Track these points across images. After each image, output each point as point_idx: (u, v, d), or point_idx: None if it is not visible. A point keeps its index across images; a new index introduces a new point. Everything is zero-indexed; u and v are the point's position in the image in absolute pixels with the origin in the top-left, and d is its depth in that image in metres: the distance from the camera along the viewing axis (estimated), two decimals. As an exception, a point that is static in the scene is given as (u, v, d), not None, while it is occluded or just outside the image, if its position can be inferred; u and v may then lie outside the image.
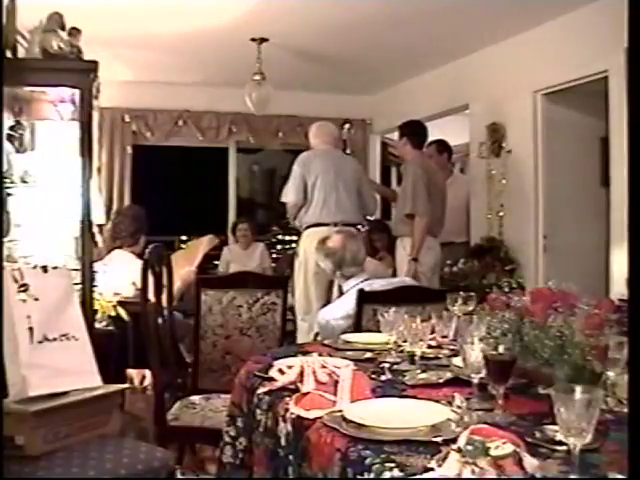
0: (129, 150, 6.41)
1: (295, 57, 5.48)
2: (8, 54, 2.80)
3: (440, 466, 1.16)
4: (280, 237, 7.31)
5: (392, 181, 7.68)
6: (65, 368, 2.01)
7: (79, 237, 2.94)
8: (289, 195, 4.63)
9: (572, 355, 1.51)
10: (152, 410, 2.72)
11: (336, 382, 1.71)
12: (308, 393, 1.66)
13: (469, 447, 1.13)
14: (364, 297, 2.82)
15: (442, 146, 5.48)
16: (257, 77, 5.23)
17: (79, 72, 2.91)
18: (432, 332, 2.12)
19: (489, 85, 5.30)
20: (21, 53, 3.00)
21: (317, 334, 3.31)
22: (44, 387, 1.93)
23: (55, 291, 2.10)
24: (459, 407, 1.45)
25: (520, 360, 1.57)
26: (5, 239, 2.70)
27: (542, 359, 1.58)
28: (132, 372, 3.66)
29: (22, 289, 2.00)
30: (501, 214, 5.15)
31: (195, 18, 4.51)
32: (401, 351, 2.07)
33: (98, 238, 4.05)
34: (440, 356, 2.11)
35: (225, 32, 4.80)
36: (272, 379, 1.84)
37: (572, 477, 1.14)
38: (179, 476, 2.68)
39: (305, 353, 2.08)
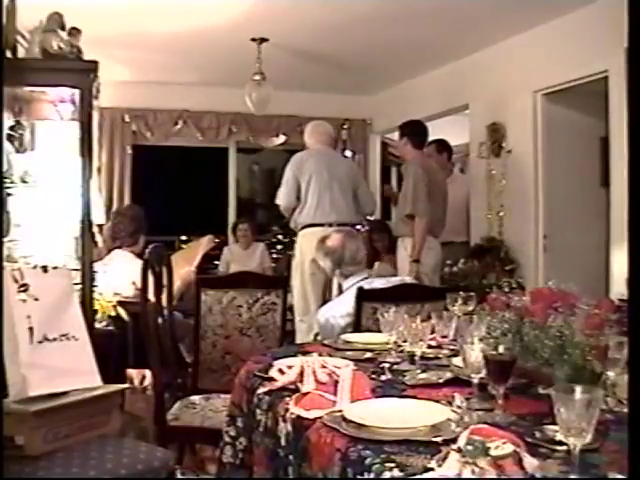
0: (129, 150, 6.41)
1: (295, 57, 5.48)
2: (8, 54, 2.80)
3: (440, 466, 1.16)
4: (280, 237, 7.31)
5: (392, 181, 7.68)
6: (65, 368, 2.00)
7: (79, 237, 2.94)
8: (281, 199, 4.63)
9: (572, 355, 1.51)
10: (152, 410, 2.72)
11: (336, 382, 1.71)
12: (308, 393, 1.66)
13: (469, 447, 1.13)
14: (363, 295, 2.83)
15: (442, 146, 5.48)
16: (257, 77, 5.23)
17: (79, 72, 2.90)
18: (432, 332, 2.11)
19: (489, 85, 5.30)
20: (21, 53, 2.99)
21: (317, 334, 3.32)
22: (44, 387, 1.93)
23: (55, 291, 2.10)
24: (459, 407, 1.45)
25: (520, 360, 1.57)
26: (5, 239, 2.70)
27: (542, 359, 1.58)
28: (132, 372, 3.66)
29: (22, 289, 1.99)
30: (501, 214, 5.16)
31: (195, 18, 4.51)
32: (401, 351, 2.07)
33: (98, 238, 4.05)
34: (440, 356, 2.11)
35: (225, 32, 4.81)
36: (272, 379, 1.83)
37: (572, 477, 1.14)
38: (179, 476, 2.68)
39: (305, 353, 2.08)
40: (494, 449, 1.12)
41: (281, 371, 1.84)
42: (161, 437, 2.60)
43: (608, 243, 4.24)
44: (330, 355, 2.08)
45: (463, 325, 1.85)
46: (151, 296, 2.68)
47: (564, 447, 1.19)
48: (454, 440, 1.22)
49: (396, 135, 5.27)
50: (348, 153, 6.95)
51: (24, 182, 2.88)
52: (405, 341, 2.01)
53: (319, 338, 3.15)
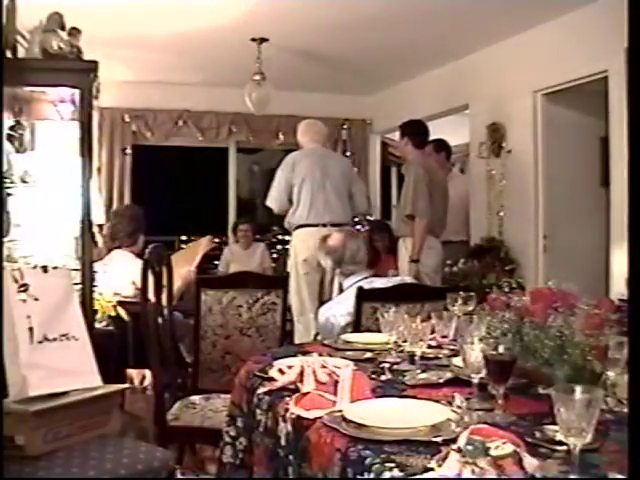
0: (129, 150, 6.41)
1: (295, 57, 5.48)
2: (8, 54, 2.80)
3: (440, 466, 1.16)
4: (280, 237, 7.31)
5: (392, 181, 7.69)
6: (65, 368, 2.00)
7: (79, 237, 2.94)
8: (272, 202, 4.62)
9: (572, 355, 1.51)
10: (152, 410, 2.72)
11: (336, 382, 1.70)
12: (308, 393, 1.66)
13: (469, 447, 1.13)
14: (363, 295, 2.83)
15: (440, 145, 5.47)
16: (257, 77, 5.23)
17: (79, 72, 2.90)
18: (432, 332, 2.11)
19: (489, 85, 5.30)
20: (21, 53, 2.99)
21: (317, 334, 3.32)
22: (44, 387, 1.93)
23: (55, 291, 2.10)
24: (459, 407, 1.45)
25: (520, 360, 1.57)
26: (5, 239, 2.70)
27: (542, 359, 1.58)
28: (132, 372, 3.66)
29: (22, 289, 1.99)
30: (501, 214, 5.16)
31: (195, 18, 4.51)
32: (401, 351, 2.07)
33: (98, 238, 4.05)
34: (440, 356, 2.11)
35: (225, 32, 4.81)
36: (272, 379, 1.83)
37: (572, 477, 1.14)
38: (179, 476, 2.68)
39: (305, 353, 2.08)
40: (494, 449, 1.12)
41: (281, 371, 1.84)
42: (161, 437, 2.60)
43: (608, 243, 4.24)
44: (330, 355, 2.08)
45: (463, 325, 1.85)
46: (151, 296, 2.68)
47: (564, 447, 1.19)
48: (454, 440, 1.22)
49: (396, 135, 5.27)
50: (348, 153, 6.95)
51: (24, 182, 2.88)
52: (405, 341, 2.01)
53: (319, 338, 3.15)
